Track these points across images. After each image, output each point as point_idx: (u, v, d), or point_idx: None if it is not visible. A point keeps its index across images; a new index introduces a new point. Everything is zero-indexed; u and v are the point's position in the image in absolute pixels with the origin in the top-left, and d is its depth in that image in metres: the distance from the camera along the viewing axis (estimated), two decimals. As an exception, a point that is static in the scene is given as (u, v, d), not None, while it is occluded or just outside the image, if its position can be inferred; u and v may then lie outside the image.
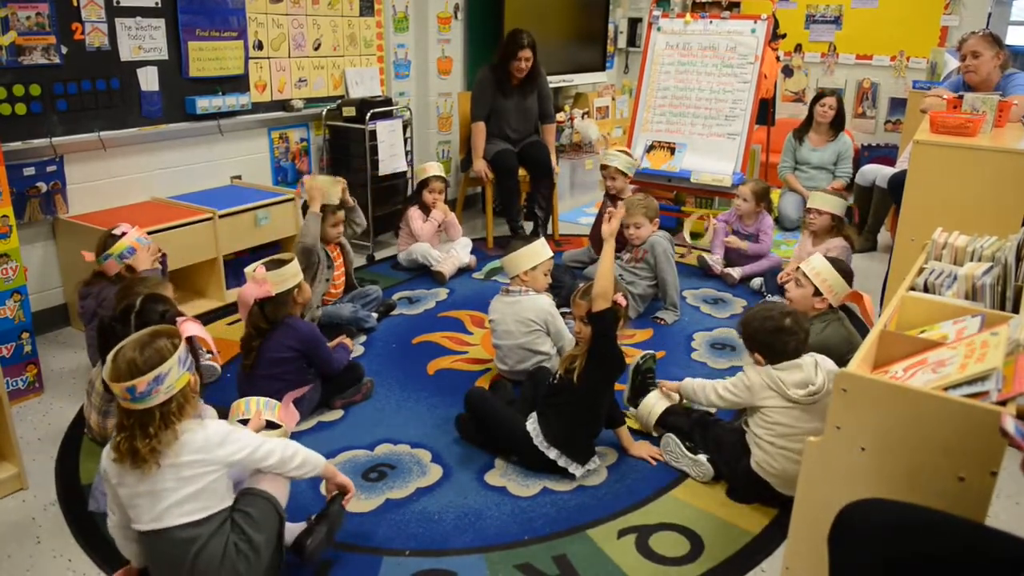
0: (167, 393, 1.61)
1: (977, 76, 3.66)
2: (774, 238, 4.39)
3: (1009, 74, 3.64)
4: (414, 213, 4.12)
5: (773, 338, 2.17)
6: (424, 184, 4.10)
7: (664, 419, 2.49)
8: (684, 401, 2.55)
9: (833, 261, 2.71)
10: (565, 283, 3.42)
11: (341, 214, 3.38)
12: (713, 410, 2.52)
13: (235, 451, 1.70)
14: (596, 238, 4.03)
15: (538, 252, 2.86)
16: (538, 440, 2.30)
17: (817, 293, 2.68)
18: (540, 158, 4.56)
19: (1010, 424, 1.24)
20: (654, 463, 2.42)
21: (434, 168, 4.14)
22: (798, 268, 2.79)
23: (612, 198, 4.05)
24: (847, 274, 2.71)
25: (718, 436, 2.33)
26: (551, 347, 2.84)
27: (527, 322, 2.80)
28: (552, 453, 2.30)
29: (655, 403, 2.53)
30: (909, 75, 5.95)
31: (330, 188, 3.29)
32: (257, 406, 2.26)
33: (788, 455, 2.09)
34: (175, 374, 1.62)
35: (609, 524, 2.14)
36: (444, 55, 5.02)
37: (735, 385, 2.24)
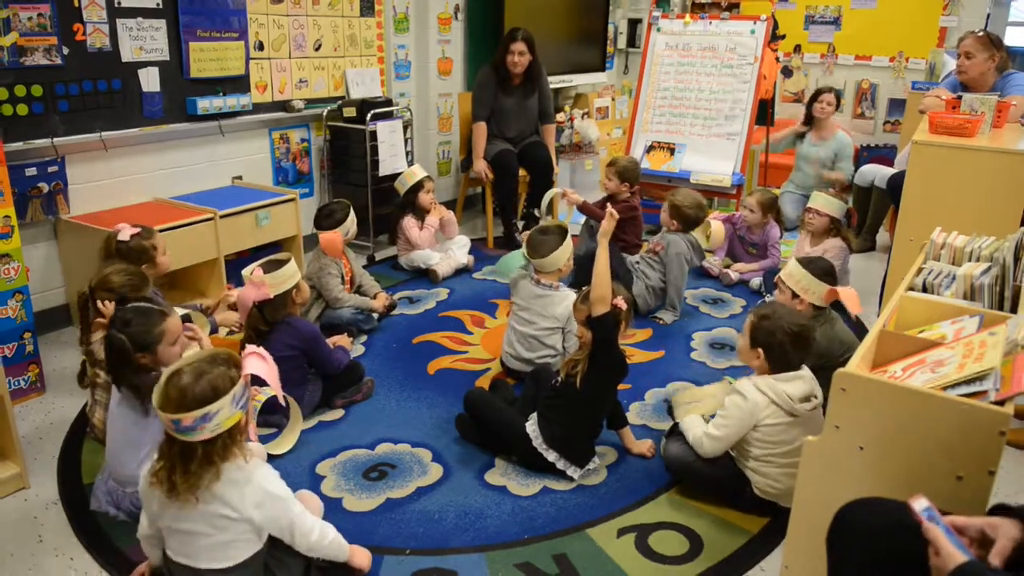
0: (213, 431, 1.52)
1: (967, 76, 3.68)
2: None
3: (1007, 74, 3.64)
4: (409, 223, 4.07)
5: (791, 340, 2.07)
6: (418, 187, 4.06)
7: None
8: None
9: (811, 261, 2.68)
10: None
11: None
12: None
13: (269, 520, 1.62)
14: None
15: (569, 245, 2.88)
16: (537, 442, 2.31)
17: (796, 296, 2.64)
18: (540, 158, 4.57)
19: (920, 505, 1.25)
20: (652, 454, 2.45)
21: (421, 170, 4.12)
22: (777, 275, 2.78)
23: (610, 198, 4.06)
24: (827, 272, 2.66)
25: (711, 477, 2.20)
26: (560, 342, 2.89)
27: (552, 318, 2.85)
28: (551, 456, 2.30)
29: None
30: (908, 76, 5.96)
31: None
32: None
33: (791, 471, 2.01)
34: (225, 413, 1.52)
35: (609, 523, 2.15)
36: (444, 56, 5.02)
37: (730, 416, 2.09)
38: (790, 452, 2.05)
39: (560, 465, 2.31)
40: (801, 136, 5.08)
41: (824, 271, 2.65)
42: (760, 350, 2.12)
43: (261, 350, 1.67)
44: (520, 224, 4.60)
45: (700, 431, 2.19)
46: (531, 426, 2.35)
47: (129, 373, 1.98)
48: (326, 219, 3.31)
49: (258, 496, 1.60)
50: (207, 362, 1.56)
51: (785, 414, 2.04)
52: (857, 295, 2.48)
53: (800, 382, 2.07)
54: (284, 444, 2.46)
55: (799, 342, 2.09)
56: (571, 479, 2.32)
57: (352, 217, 3.36)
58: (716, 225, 4.13)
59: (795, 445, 2.02)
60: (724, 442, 2.14)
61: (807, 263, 2.66)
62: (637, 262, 3.59)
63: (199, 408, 1.49)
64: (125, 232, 2.69)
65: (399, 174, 4.15)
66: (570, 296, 2.86)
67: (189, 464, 1.53)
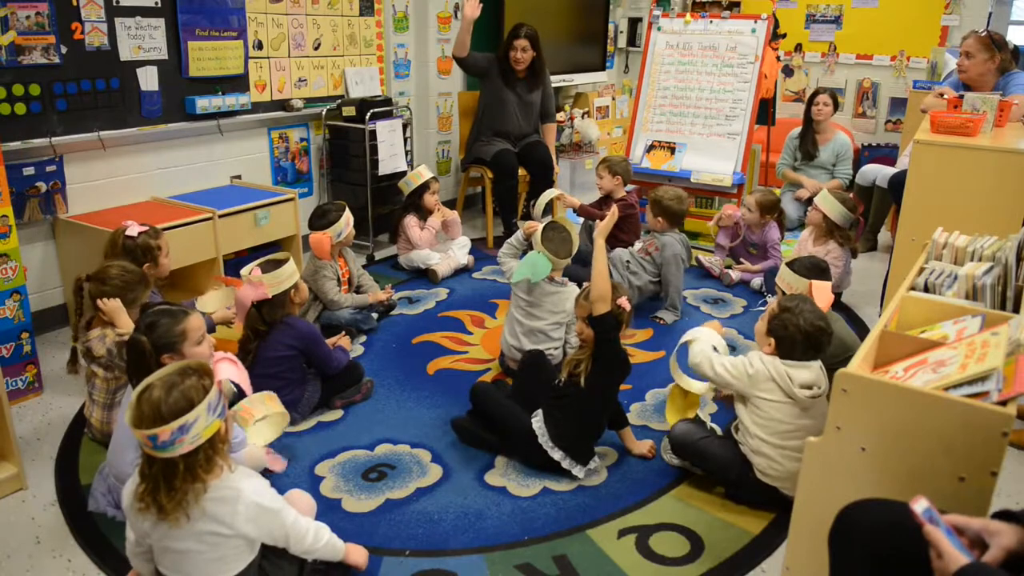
0: (192, 443, 1.47)
1: (967, 76, 3.67)
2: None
3: (1009, 74, 3.63)
4: (411, 222, 4.05)
5: (803, 338, 2.09)
6: (424, 188, 4.04)
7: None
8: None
9: (797, 259, 2.72)
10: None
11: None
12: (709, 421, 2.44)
13: (263, 533, 1.61)
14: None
15: (576, 241, 2.94)
16: (543, 440, 2.30)
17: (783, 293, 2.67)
18: (540, 157, 4.56)
19: (920, 506, 1.25)
20: (652, 455, 2.45)
21: (428, 171, 4.11)
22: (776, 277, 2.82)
23: (606, 198, 4.06)
24: (815, 267, 2.68)
25: (715, 456, 2.24)
26: (562, 336, 2.91)
27: (561, 312, 2.89)
28: (557, 454, 2.29)
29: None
30: (909, 75, 5.95)
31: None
32: (254, 408, 2.21)
33: (789, 454, 2.08)
34: (203, 423, 1.48)
35: (609, 524, 2.14)
36: (444, 55, 5.01)
37: (735, 367, 2.16)
38: (788, 433, 2.09)
39: (566, 464, 2.30)
40: (802, 141, 5.01)
41: (810, 267, 2.67)
42: (772, 336, 2.16)
43: (231, 355, 1.66)
44: (521, 224, 4.58)
45: (710, 351, 2.23)
46: (537, 423, 2.34)
47: (145, 374, 1.97)
48: (318, 219, 3.27)
49: (251, 512, 1.57)
50: (177, 374, 1.52)
51: (782, 393, 2.08)
52: (830, 291, 2.49)
53: (807, 371, 2.09)
54: (266, 434, 2.29)
55: (811, 342, 2.11)
56: (573, 479, 2.31)
57: (347, 218, 3.29)
58: (728, 207, 4.11)
59: (793, 426, 2.08)
60: (719, 377, 2.19)
61: (792, 262, 2.70)
62: (628, 261, 3.58)
63: (175, 420, 1.45)
64: (133, 228, 2.69)
65: (398, 173, 4.13)
66: (576, 291, 2.86)
67: (173, 481, 1.48)
